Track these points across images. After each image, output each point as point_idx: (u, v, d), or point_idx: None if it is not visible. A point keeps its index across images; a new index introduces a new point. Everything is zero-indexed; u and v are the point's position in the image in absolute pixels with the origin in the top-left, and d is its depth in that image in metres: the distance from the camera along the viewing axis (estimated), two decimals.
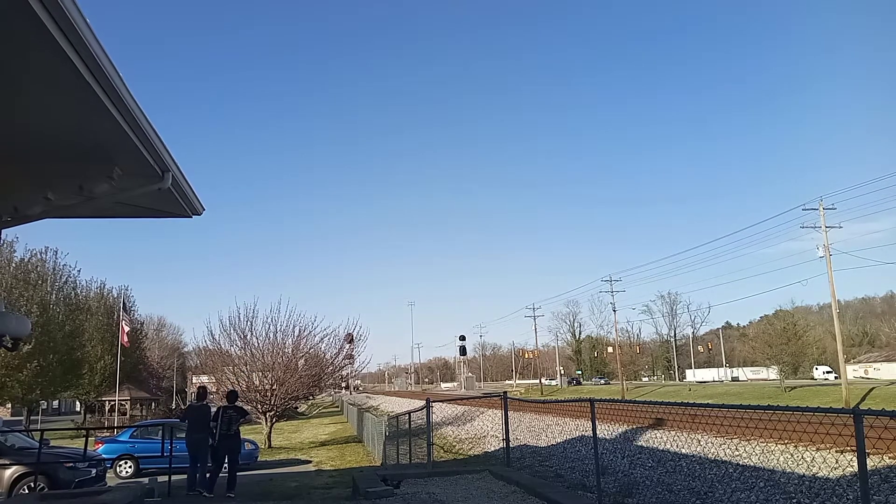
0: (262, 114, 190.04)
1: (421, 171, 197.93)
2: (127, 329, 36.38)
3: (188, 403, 25.61)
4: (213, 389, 28.13)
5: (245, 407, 26.87)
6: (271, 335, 28.16)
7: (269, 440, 27.62)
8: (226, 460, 12.39)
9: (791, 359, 59.47)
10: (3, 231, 7.98)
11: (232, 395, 13.36)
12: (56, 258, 40.97)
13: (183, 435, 12.87)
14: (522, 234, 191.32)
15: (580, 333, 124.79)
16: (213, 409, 12.68)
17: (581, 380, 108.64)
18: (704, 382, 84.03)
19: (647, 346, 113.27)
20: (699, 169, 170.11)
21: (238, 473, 12.49)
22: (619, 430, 17.32)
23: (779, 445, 13.15)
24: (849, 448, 10.94)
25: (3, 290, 33.95)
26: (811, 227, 44.66)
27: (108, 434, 21.97)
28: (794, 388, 53.13)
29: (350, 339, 31.84)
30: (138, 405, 53.15)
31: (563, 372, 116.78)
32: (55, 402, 66.43)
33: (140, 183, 6.25)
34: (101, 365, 45.89)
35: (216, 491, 11.89)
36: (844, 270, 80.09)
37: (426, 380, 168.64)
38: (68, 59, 3.83)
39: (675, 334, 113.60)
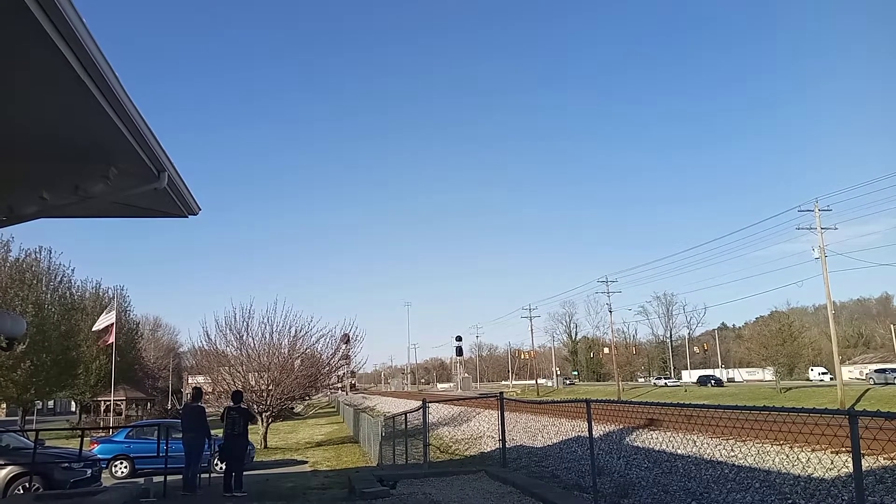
0: (259, 114, 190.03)
1: (417, 171, 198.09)
2: (108, 326, 35.79)
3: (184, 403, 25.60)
4: (210, 390, 28.10)
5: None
6: (267, 335, 28.14)
7: (265, 440, 27.57)
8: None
9: (786, 360, 59.70)
10: None
11: (236, 396, 13.33)
12: (51, 258, 40.94)
13: (178, 435, 12.93)
14: (519, 234, 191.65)
15: (576, 334, 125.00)
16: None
17: (668, 380, 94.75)
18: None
19: (643, 347, 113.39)
20: (696, 170, 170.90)
21: (234, 474, 12.47)
22: (616, 430, 17.34)
23: (774, 446, 13.18)
24: (844, 449, 11.00)
25: None
26: (807, 229, 44.88)
27: (103, 434, 21.86)
28: (790, 389, 53.30)
29: (346, 339, 31.84)
30: (134, 405, 53.04)
31: (559, 372, 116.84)
32: (50, 403, 66.21)
33: (136, 183, 6.22)
34: (97, 365, 45.77)
35: (214, 491, 11.89)
36: (840, 272, 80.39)
37: (422, 380, 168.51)
38: (65, 59, 3.82)
39: (670, 335, 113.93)
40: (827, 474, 10.38)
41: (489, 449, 19.76)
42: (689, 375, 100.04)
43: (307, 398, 34.80)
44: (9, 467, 12.84)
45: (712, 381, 75.78)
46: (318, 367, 29.68)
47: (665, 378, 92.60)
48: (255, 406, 27.16)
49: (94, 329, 37.87)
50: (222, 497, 11.58)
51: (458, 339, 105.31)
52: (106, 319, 36.00)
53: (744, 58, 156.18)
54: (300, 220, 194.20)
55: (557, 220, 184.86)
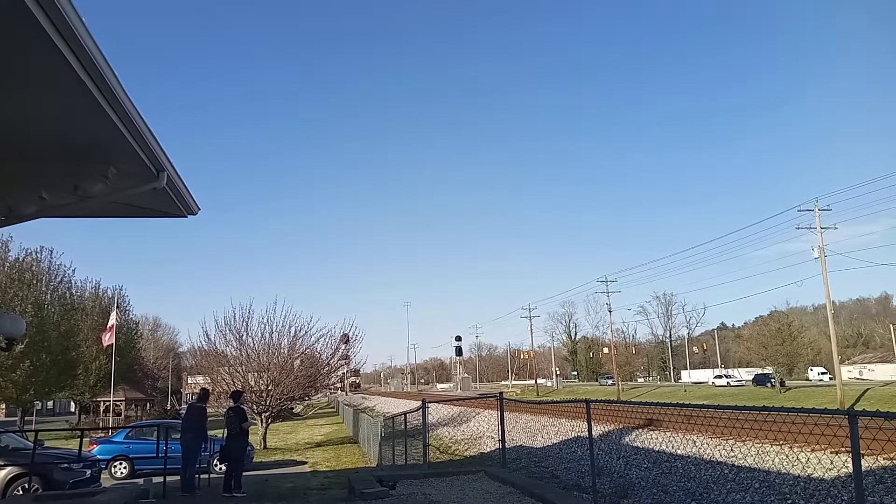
0: (259, 114, 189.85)
1: (417, 172, 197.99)
2: (111, 327, 35.78)
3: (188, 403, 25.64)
4: (210, 390, 28.11)
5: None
6: (267, 335, 28.12)
7: (265, 441, 27.55)
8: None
9: (786, 359, 59.59)
10: None
11: (235, 396, 13.33)
12: (51, 258, 40.84)
13: (177, 436, 12.94)
14: (519, 234, 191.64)
15: (576, 334, 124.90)
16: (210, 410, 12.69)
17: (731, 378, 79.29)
18: (699, 383, 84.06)
19: (643, 347, 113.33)
20: (695, 170, 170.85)
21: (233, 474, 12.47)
22: (615, 430, 17.35)
23: (774, 446, 13.18)
24: (843, 449, 10.99)
25: None
26: (806, 229, 44.87)
27: (102, 435, 21.85)
28: (790, 388, 53.30)
29: (346, 339, 31.82)
30: (133, 406, 53.00)
31: (558, 372, 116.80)
32: (50, 403, 66.16)
33: (135, 183, 6.22)
34: (96, 365, 45.71)
35: (214, 491, 11.88)
36: (839, 271, 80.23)
37: (422, 380, 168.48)
38: (65, 59, 3.82)
39: (670, 335, 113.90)
40: (826, 474, 10.38)
41: (489, 449, 19.74)
42: (689, 375, 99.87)
43: (307, 398, 34.76)
44: (8, 468, 12.82)
45: (771, 382, 59.52)
46: (317, 368, 29.65)
47: (727, 377, 77.95)
48: (254, 406, 27.16)
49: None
50: (221, 497, 11.58)
51: (458, 339, 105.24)
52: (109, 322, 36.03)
53: (744, 58, 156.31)
54: (300, 221, 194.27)
55: (557, 220, 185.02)
